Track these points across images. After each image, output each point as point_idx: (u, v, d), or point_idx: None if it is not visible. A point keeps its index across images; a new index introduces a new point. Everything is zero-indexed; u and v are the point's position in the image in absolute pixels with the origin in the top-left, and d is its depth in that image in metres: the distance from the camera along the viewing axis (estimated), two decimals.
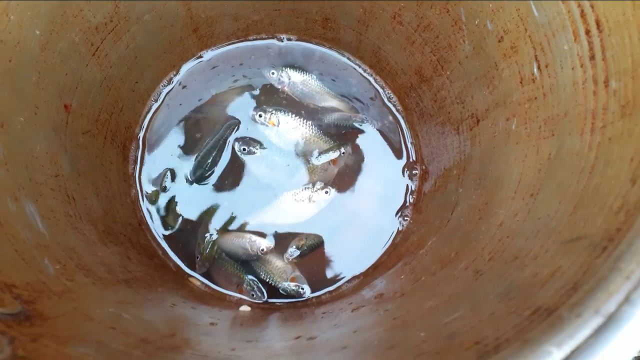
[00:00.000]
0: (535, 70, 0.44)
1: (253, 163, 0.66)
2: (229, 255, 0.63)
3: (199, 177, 0.65)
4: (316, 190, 0.65)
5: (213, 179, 0.65)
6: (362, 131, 0.68)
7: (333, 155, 0.67)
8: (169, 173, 0.65)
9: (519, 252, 0.36)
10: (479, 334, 0.29)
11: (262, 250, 0.62)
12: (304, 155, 0.67)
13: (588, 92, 0.37)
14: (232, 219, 0.65)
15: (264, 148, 0.66)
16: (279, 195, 0.65)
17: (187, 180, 0.65)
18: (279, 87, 0.69)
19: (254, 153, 0.65)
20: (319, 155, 0.67)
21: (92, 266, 0.46)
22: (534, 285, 0.30)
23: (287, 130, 0.66)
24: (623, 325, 0.23)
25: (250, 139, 0.66)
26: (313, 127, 0.67)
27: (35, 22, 0.48)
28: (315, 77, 0.69)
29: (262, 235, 0.64)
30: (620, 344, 0.23)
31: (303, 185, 0.66)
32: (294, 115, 0.67)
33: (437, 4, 0.52)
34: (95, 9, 0.53)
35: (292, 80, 0.68)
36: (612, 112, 0.35)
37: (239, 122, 0.67)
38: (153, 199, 0.65)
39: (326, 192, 0.65)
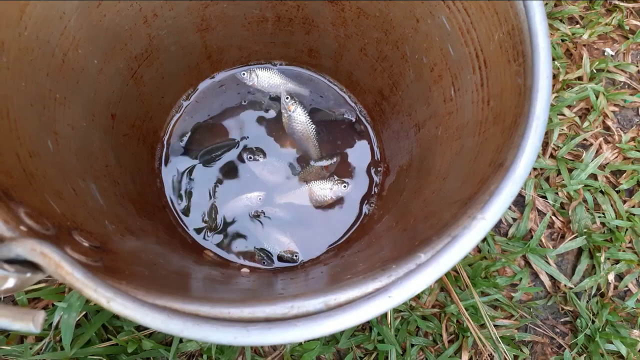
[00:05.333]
0: (452, 92, 0.62)
1: (257, 167, 0.84)
2: (236, 219, 0.81)
3: (206, 160, 0.84)
4: (337, 183, 0.83)
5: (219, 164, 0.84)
6: (345, 141, 0.86)
7: (326, 162, 0.85)
8: (186, 170, 0.83)
9: (428, 213, 0.53)
10: (389, 256, 0.46)
11: (260, 198, 0.81)
12: (303, 158, 0.85)
13: (479, 108, 0.55)
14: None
15: (265, 156, 0.84)
16: (308, 182, 0.84)
17: (197, 159, 0.84)
18: (250, 83, 0.88)
19: (257, 160, 0.83)
20: (315, 162, 0.85)
21: (135, 230, 0.63)
22: (428, 229, 0.48)
23: (296, 120, 0.85)
24: (459, 240, 0.40)
25: (256, 148, 0.84)
26: (313, 130, 0.85)
27: (95, 54, 0.65)
28: (276, 71, 0.88)
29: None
30: (456, 250, 0.40)
31: (326, 178, 0.84)
32: (306, 114, 0.85)
33: (390, 42, 0.70)
34: (135, 43, 0.71)
35: (260, 77, 0.87)
36: (489, 121, 0.52)
37: (237, 143, 0.86)
38: (175, 189, 0.83)
39: (344, 186, 0.83)
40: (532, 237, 0.92)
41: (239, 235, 0.81)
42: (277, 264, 0.80)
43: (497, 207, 0.41)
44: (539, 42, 0.45)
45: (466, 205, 0.45)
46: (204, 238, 0.80)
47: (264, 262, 0.79)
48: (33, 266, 0.38)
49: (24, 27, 0.53)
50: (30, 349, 0.80)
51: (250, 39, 0.81)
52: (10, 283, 0.38)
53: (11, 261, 0.38)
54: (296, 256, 0.79)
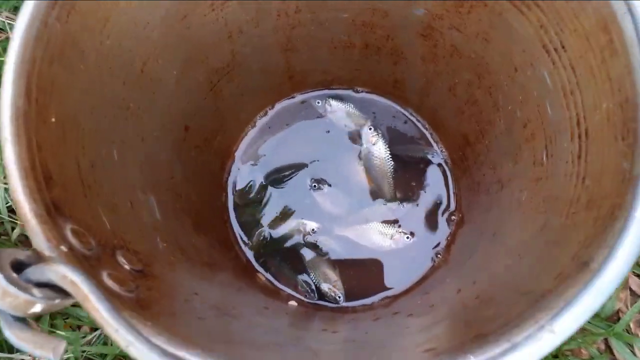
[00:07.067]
0: (544, 157, 0.54)
1: (320, 196, 0.81)
2: (283, 239, 0.79)
3: (272, 181, 0.82)
4: (400, 232, 0.77)
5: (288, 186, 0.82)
6: (420, 182, 0.81)
7: (396, 205, 0.79)
8: (253, 183, 0.82)
9: (493, 295, 0.47)
10: (441, 341, 0.41)
11: (313, 230, 0.77)
12: (374, 195, 0.81)
13: (572, 184, 0.48)
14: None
15: (330, 186, 0.81)
16: (370, 221, 0.78)
17: (262, 183, 0.82)
18: (321, 111, 0.85)
19: (321, 189, 0.80)
20: (386, 202, 0.80)
21: (187, 248, 0.62)
22: (488, 321, 0.42)
23: (375, 153, 0.81)
24: (518, 350, 0.34)
25: (322, 179, 0.81)
26: (391, 167, 0.80)
27: (174, 65, 0.65)
28: (352, 105, 0.84)
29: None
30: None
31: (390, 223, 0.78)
32: (387, 148, 0.81)
33: (482, 86, 0.64)
34: (217, 57, 0.70)
35: (333, 107, 0.84)
36: (581, 203, 0.45)
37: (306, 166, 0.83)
38: (238, 203, 0.82)
39: (407, 237, 0.76)
40: (619, 319, 0.81)
41: (286, 260, 0.78)
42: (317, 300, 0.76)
43: (571, 321, 0.35)
44: None
45: (536, 303, 0.39)
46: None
47: (306, 295, 0.76)
48: (63, 292, 0.38)
49: (106, 36, 0.53)
50: (83, 337, 0.83)
51: (334, 63, 0.78)
52: (38, 308, 0.37)
53: (43, 284, 0.38)
54: (339, 297, 0.75)
